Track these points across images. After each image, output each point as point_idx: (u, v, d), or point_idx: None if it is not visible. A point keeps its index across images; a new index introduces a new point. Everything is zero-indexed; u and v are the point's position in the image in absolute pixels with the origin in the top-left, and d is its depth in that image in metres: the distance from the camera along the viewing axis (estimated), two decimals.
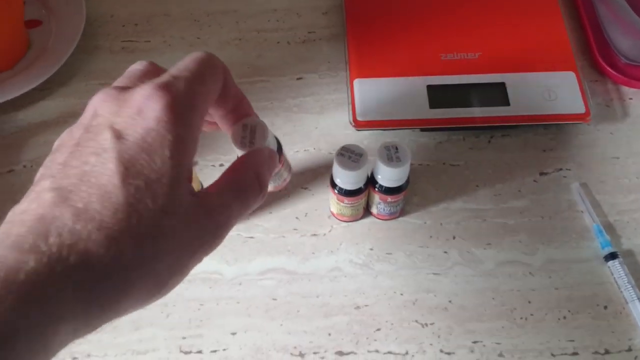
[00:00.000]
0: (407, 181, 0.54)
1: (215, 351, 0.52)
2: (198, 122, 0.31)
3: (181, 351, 0.52)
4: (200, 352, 0.52)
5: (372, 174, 0.55)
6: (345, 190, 0.53)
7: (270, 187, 0.46)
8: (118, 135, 0.28)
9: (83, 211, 0.26)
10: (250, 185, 0.34)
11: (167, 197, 0.28)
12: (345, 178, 0.52)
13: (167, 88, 0.29)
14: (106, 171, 0.27)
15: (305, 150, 0.63)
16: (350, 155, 0.51)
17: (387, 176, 0.52)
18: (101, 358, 0.52)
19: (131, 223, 0.27)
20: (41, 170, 0.30)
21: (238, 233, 0.59)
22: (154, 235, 0.28)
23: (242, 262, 0.57)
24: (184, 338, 0.53)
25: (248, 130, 0.38)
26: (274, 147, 0.42)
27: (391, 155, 0.51)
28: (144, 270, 0.28)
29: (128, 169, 0.27)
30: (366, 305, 0.55)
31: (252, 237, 0.59)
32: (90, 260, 0.26)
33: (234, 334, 0.53)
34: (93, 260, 0.26)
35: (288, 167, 0.47)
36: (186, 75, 0.31)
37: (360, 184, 0.53)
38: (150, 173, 0.28)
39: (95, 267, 0.26)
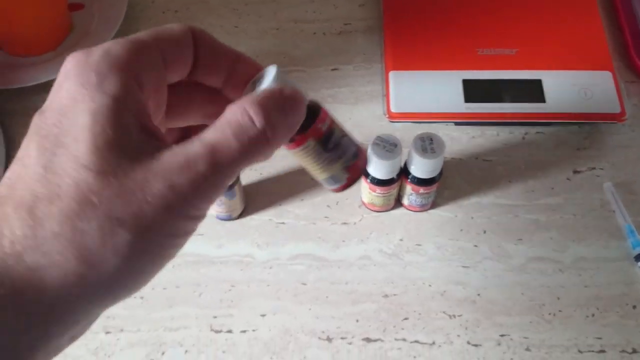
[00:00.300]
0: (440, 173, 0.55)
1: (244, 331, 0.53)
2: (128, 72, 0.26)
3: (212, 330, 0.54)
4: (230, 331, 0.54)
5: (405, 165, 0.55)
6: (378, 179, 0.54)
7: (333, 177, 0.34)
8: (40, 113, 0.26)
9: (5, 198, 0.24)
10: (238, 127, 0.26)
11: (87, 150, 0.24)
12: (379, 167, 0.53)
13: (85, 49, 0.26)
14: (27, 150, 0.25)
15: None
16: (385, 145, 0.52)
17: (421, 167, 0.52)
18: (134, 333, 0.53)
19: (50, 188, 0.23)
20: None
21: (270, 218, 0.60)
22: (79, 195, 0.23)
23: (274, 247, 0.58)
24: (215, 317, 0.54)
25: (257, 83, 0.31)
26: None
27: (426, 146, 0.52)
28: (66, 241, 0.23)
29: (45, 137, 0.24)
30: (394, 295, 0.55)
31: (283, 223, 0.59)
32: (3, 240, 0.23)
33: (263, 315, 0.54)
34: (7, 239, 0.23)
35: (350, 148, 0.33)
36: (124, 38, 0.27)
37: (394, 174, 0.54)
38: (63, 131, 0.24)
39: (8, 244, 0.23)
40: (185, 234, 0.26)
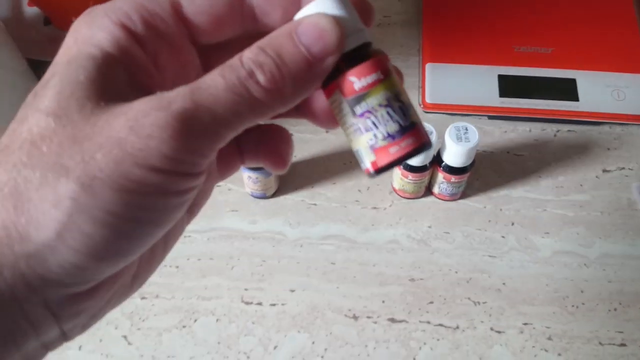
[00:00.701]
0: (472, 163, 0.56)
1: (274, 305, 0.55)
2: (125, 26, 0.23)
3: (243, 301, 0.55)
4: (260, 304, 0.55)
5: (438, 154, 0.57)
6: (411, 166, 0.56)
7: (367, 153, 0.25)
8: None
9: None
10: (227, 66, 0.22)
11: (50, 95, 0.21)
12: None
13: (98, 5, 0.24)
14: None
15: None
16: None
17: (454, 155, 0.54)
18: (168, 300, 0.55)
19: (11, 138, 0.21)
20: None
21: (302, 199, 0.61)
22: (29, 142, 0.21)
23: (305, 226, 0.60)
24: (246, 290, 0.56)
25: None
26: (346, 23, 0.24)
27: (460, 135, 0.53)
28: (8, 190, 0.20)
29: (32, 93, 0.23)
30: (421, 279, 0.57)
31: (315, 204, 0.61)
32: None
33: (292, 291, 0.56)
34: None
35: (388, 124, 0.24)
36: None
37: (427, 162, 0.55)
38: (43, 83, 0.22)
39: None
40: (165, 193, 0.21)
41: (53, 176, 0.20)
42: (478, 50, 0.66)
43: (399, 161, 0.24)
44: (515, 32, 0.68)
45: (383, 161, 0.24)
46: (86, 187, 0.20)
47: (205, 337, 0.54)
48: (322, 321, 0.55)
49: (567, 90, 0.64)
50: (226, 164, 0.28)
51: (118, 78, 0.22)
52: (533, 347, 0.53)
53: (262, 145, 0.28)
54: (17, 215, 0.20)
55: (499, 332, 0.54)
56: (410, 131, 0.24)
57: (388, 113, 0.24)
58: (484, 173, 0.62)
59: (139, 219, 0.21)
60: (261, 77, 0.22)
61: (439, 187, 0.59)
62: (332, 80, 0.24)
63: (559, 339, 0.53)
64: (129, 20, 0.23)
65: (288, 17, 0.24)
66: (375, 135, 0.24)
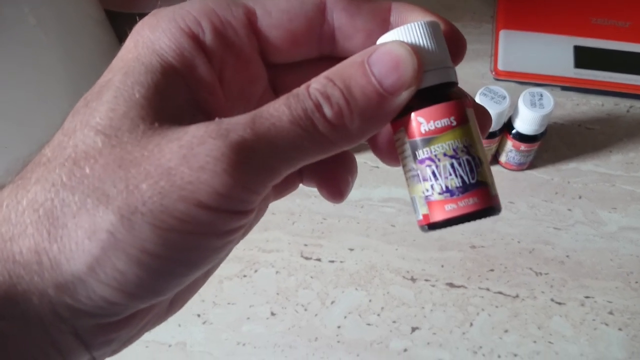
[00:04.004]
0: (544, 132, 0.55)
1: (332, 261, 0.56)
2: (192, 36, 0.21)
3: (302, 256, 0.56)
4: (319, 260, 0.56)
5: (508, 121, 0.56)
6: None
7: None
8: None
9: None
10: (294, 96, 0.20)
11: (102, 109, 0.19)
12: None
13: (164, 7, 0.22)
14: None
15: None
16: (492, 96, 0.52)
17: (527, 121, 0.53)
18: None
19: (54, 151, 0.20)
20: None
21: (365, 161, 0.61)
22: (72, 159, 0.19)
23: (367, 188, 0.60)
24: (305, 245, 0.57)
25: None
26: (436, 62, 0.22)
27: (535, 101, 0.52)
28: (44, 211, 0.19)
29: (83, 98, 0.21)
30: (482, 246, 0.56)
31: (377, 167, 0.61)
32: None
33: (351, 249, 0.56)
34: None
35: (449, 179, 0.22)
36: None
37: (497, 128, 0.55)
38: (98, 90, 0.21)
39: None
40: (209, 232, 0.19)
41: (92, 203, 0.18)
42: (554, 19, 0.64)
43: (455, 221, 0.22)
44: (593, 3, 0.66)
45: (436, 217, 0.22)
46: (125, 221, 0.18)
47: (265, 288, 0.55)
48: (380, 280, 0.55)
49: None
50: (284, 182, 0.24)
51: (176, 96, 0.20)
52: (593, 320, 0.52)
53: (323, 171, 0.26)
54: (50, 241, 0.18)
55: (559, 303, 0.53)
56: (474, 190, 0.22)
57: (452, 165, 0.21)
58: (553, 145, 0.61)
59: (177, 259, 0.19)
60: (328, 111, 0.20)
61: (507, 156, 0.58)
62: (400, 116, 0.22)
63: (621, 314, 0.52)
64: (198, 28, 0.21)
65: (370, 42, 0.22)
66: (432, 187, 0.22)
